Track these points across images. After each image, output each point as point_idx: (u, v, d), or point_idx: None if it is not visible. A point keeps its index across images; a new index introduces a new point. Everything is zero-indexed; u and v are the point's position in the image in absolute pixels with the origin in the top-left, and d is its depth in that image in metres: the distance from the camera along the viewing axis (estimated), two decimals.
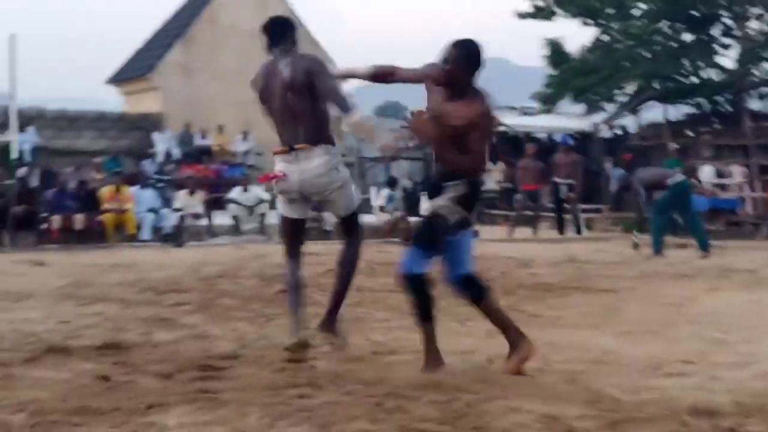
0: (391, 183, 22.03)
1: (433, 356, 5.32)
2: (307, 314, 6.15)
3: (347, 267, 6.06)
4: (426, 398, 4.56)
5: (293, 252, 6.09)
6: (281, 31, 6.02)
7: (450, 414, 4.32)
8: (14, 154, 18.17)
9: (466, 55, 5.28)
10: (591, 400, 4.63)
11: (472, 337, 6.60)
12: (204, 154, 25.48)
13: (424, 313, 5.36)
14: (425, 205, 5.40)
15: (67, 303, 8.47)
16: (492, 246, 14.72)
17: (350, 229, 6.13)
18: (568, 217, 18.88)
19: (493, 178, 24.80)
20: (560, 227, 18.66)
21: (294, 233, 6.10)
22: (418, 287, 5.32)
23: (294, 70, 5.80)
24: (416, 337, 6.44)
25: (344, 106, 5.85)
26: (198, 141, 25.74)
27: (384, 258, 12.29)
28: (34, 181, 19.26)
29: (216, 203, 20.43)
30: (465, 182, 5.30)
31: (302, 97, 5.77)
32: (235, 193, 19.29)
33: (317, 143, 5.77)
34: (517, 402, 4.55)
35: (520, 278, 10.19)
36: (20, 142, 20.57)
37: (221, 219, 19.18)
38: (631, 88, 27.98)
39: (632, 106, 27.88)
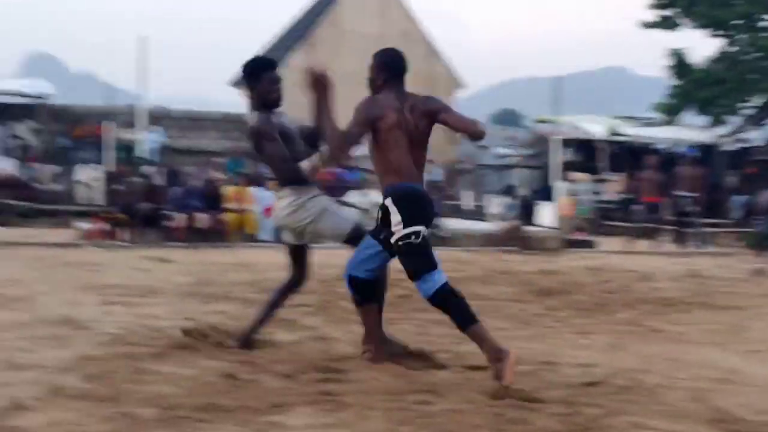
0: (508, 191, 21.92)
1: (494, 352, 5.09)
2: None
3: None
4: (548, 410, 4.53)
5: (291, 269, 6.28)
6: (245, 79, 6.19)
7: (572, 427, 4.29)
8: (141, 153, 18.70)
9: (379, 63, 5.51)
10: (716, 419, 4.54)
11: (593, 350, 6.53)
12: None
13: (467, 318, 5.24)
14: (399, 232, 5.30)
15: (191, 300, 8.68)
16: (611, 258, 14.55)
17: None
18: (689, 230, 18.50)
19: (612, 189, 24.47)
20: (681, 241, 18.28)
21: (290, 255, 6.29)
22: (448, 298, 5.27)
23: (249, 131, 6.09)
24: (536, 348, 6.45)
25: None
26: None
27: (501, 266, 12.28)
28: (159, 180, 19.77)
29: None
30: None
31: (262, 149, 6.05)
32: (353, 197, 19.46)
33: (284, 184, 6.05)
34: (641, 418, 4.50)
35: (640, 292, 10.02)
36: (147, 141, 21.16)
37: None
38: (757, 100, 27.24)
39: (758, 119, 27.14)
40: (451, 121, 5.42)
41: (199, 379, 5.14)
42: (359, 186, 20.07)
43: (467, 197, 26.32)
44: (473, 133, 5.38)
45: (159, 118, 24.29)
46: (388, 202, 5.33)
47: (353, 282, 5.52)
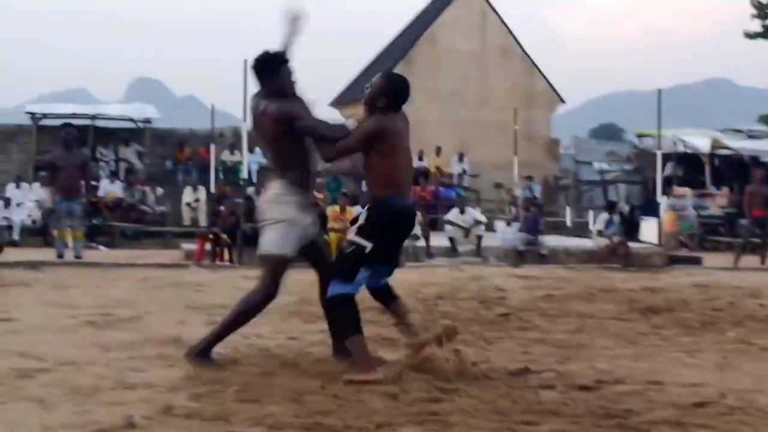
0: (610, 207, 21.64)
1: (374, 360, 5.82)
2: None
3: (236, 308, 6.20)
4: (657, 431, 4.46)
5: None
6: (264, 71, 6.23)
7: None
8: (244, 174, 19.01)
9: (383, 86, 5.79)
10: None
11: (701, 369, 6.38)
12: (421, 175, 25.82)
13: (356, 327, 5.80)
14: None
15: (293, 320, 8.76)
16: (717, 274, 14.23)
17: (262, 272, 6.18)
18: None
19: (716, 203, 24.00)
20: None
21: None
22: (347, 308, 5.85)
23: (253, 119, 6.30)
24: (642, 367, 6.34)
25: None
26: (415, 162, 26.10)
27: (603, 284, 12.09)
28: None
29: (433, 224, 20.66)
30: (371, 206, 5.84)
31: (280, 136, 6.12)
32: (452, 214, 19.47)
33: (280, 177, 6.11)
34: None
35: (749, 309, 9.76)
36: (248, 162, 21.48)
37: (438, 240, 19.38)
38: None
39: None
40: None
41: (305, 398, 5.18)
42: (459, 204, 20.04)
43: (568, 214, 26.11)
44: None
45: (258, 139, 24.70)
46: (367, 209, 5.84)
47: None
